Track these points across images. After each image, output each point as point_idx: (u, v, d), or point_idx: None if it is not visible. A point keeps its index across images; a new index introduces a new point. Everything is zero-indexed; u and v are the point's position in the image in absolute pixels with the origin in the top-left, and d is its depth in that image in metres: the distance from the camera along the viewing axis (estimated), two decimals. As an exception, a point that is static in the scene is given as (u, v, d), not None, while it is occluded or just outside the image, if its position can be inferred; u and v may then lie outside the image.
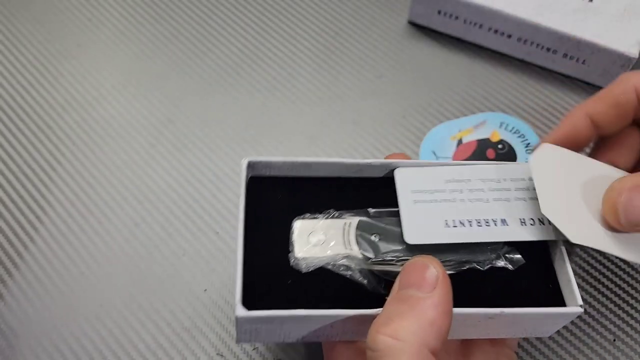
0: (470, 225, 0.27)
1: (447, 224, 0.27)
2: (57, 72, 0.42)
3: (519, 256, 0.27)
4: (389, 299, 0.23)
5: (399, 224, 0.27)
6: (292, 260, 0.25)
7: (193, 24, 0.45)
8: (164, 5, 0.46)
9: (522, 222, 0.27)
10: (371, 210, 0.28)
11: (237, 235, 0.25)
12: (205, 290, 0.33)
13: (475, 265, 0.27)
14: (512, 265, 0.27)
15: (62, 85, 0.41)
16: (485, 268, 0.27)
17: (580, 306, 0.25)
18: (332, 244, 0.26)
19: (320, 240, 0.26)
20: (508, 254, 0.27)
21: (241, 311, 0.23)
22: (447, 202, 0.28)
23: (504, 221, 0.27)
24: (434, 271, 0.23)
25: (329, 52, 0.43)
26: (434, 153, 0.38)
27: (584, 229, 0.26)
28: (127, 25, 0.45)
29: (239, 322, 0.23)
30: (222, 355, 0.31)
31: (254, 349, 0.31)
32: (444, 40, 0.44)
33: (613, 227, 0.26)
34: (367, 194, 0.28)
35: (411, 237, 0.26)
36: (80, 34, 0.44)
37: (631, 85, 0.28)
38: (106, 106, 0.40)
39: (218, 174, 0.37)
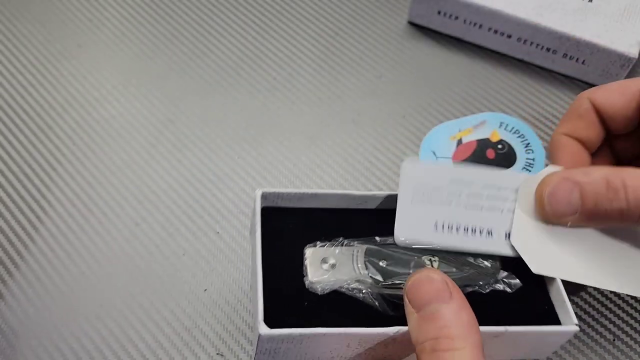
0: (458, 231, 0.28)
1: (436, 227, 0.28)
2: (58, 72, 0.42)
3: (517, 281, 0.28)
4: (413, 323, 0.23)
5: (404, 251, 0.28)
6: (307, 284, 0.27)
7: (193, 24, 0.45)
8: (164, 6, 0.46)
9: (506, 235, 0.28)
10: (378, 238, 0.29)
11: (255, 262, 0.27)
12: (206, 290, 0.33)
13: (477, 288, 0.28)
14: (510, 288, 0.28)
15: (63, 85, 0.41)
16: (487, 291, 0.28)
17: (576, 324, 0.26)
18: (343, 269, 0.27)
19: (331, 265, 0.28)
20: (506, 279, 0.28)
21: (264, 329, 0.24)
22: (442, 205, 0.28)
23: (490, 232, 0.28)
24: (440, 279, 0.23)
25: (329, 52, 0.44)
26: (434, 153, 0.38)
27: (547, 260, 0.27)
28: (127, 26, 0.45)
29: (261, 340, 0.24)
30: (222, 355, 0.31)
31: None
32: (443, 40, 0.44)
33: (543, 218, 0.27)
34: (373, 224, 0.30)
35: (401, 234, 0.27)
36: (81, 34, 0.44)
37: (585, 99, 0.30)
38: (106, 106, 0.40)
39: (218, 174, 0.37)
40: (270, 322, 0.24)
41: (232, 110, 0.40)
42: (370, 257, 0.28)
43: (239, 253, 0.34)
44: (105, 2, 0.46)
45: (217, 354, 0.31)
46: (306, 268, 0.28)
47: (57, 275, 0.33)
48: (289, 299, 0.27)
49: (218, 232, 0.35)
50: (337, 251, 0.28)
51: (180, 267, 0.34)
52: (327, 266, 0.28)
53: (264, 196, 0.29)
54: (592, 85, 0.42)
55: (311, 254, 0.28)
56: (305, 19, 0.45)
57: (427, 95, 0.42)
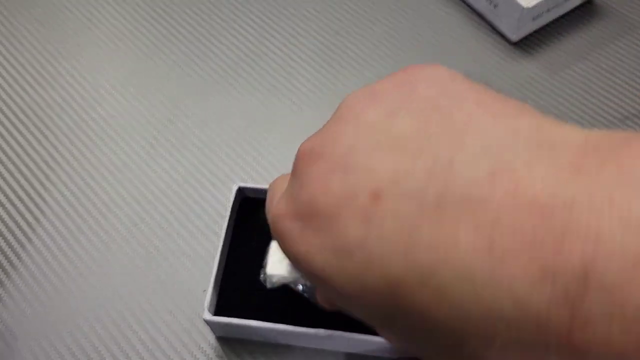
0: None
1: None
2: (57, 72, 0.42)
3: None
4: None
5: None
6: (261, 276, 0.28)
7: (193, 24, 0.45)
8: (164, 5, 0.46)
9: None
10: None
11: (217, 247, 0.31)
12: (204, 290, 0.33)
13: None
14: None
15: (62, 85, 0.41)
16: None
17: None
18: None
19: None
20: None
21: (207, 315, 0.29)
22: None
23: None
24: None
25: (329, 52, 0.43)
26: None
27: None
28: (127, 25, 0.45)
29: (208, 323, 0.29)
30: (221, 357, 0.31)
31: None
32: (445, 39, 0.44)
33: None
34: None
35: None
36: (80, 34, 0.44)
37: None
38: (106, 106, 0.40)
39: (218, 174, 0.37)
40: (221, 308, 0.30)
41: (232, 110, 0.40)
42: None
43: (238, 254, 0.34)
44: (104, 2, 0.46)
45: (216, 355, 0.31)
46: (266, 260, 0.28)
47: (55, 275, 0.33)
48: (243, 289, 0.31)
49: (217, 233, 0.35)
50: None
51: (179, 267, 0.34)
52: (287, 261, 0.28)
53: (241, 189, 0.33)
54: (498, 34, 0.42)
55: (275, 246, 0.28)
56: (305, 19, 0.45)
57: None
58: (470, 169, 0.15)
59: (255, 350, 0.31)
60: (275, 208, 0.20)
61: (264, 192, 0.33)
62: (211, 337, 0.32)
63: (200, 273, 0.34)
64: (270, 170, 0.37)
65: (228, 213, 0.32)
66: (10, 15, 0.45)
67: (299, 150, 0.19)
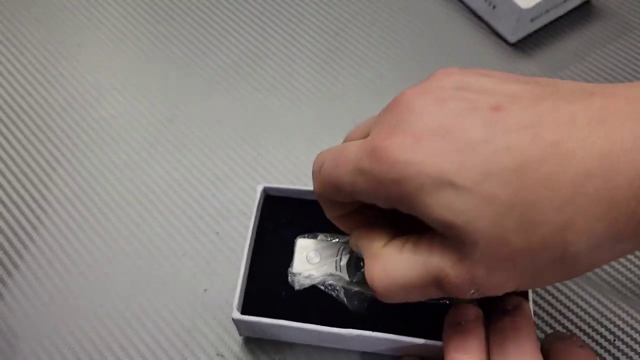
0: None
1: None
2: (57, 72, 0.42)
3: None
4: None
5: None
6: (289, 277, 0.29)
7: (193, 24, 0.45)
8: (164, 5, 0.46)
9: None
10: None
11: (245, 246, 0.30)
12: (206, 290, 0.33)
13: None
14: None
15: (62, 85, 0.41)
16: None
17: None
18: (325, 264, 0.29)
19: (316, 260, 0.29)
20: None
21: (236, 314, 0.28)
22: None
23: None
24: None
25: (329, 52, 0.43)
26: None
27: None
28: (127, 25, 0.45)
29: (236, 322, 0.29)
30: (222, 355, 0.31)
31: (255, 339, 0.31)
32: (444, 40, 0.44)
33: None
34: None
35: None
36: (81, 34, 0.44)
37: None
38: (106, 106, 0.40)
39: (218, 174, 0.37)
40: (247, 307, 0.29)
41: (232, 110, 0.40)
42: (354, 254, 0.29)
43: (239, 253, 0.34)
44: (105, 2, 0.46)
45: (217, 354, 0.31)
46: (293, 259, 0.29)
47: (57, 275, 0.33)
48: (270, 288, 0.30)
49: (218, 233, 0.35)
50: (325, 245, 0.30)
51: (180, 267, 0.34)
52: (313, 260, 0.29)
53: (265, 190, 0.32)
54: (497, 35, 0.42)
55: (300, 244, 0.29)
56: (305, 19, 0.45)
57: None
58: (574, 84, 0.20)
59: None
60: (373, 140, 0.21)
61: (287, 191, 0.32)
62: (212, 336, 0.32)
63: (202, 273, 0.34)
64: (270, 170, 0.38)
65: (254, 213, 0.31)
66: (11, 15, 0.45)
67: (403, 93, 0.22)
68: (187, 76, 0.42)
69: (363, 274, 0.28)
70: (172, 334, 0.32)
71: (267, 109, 0.41)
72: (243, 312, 0.28)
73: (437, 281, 0.21)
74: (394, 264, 0.22)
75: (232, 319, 0.28)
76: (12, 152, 0.38)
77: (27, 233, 0.35)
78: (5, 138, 0.39)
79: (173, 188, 0.37)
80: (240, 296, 0.29)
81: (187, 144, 0.39)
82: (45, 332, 0.32)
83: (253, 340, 0.31)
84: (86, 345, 0.31)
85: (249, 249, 0.30)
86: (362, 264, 0.29)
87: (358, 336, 0.27)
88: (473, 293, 0.21)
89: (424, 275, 0.21)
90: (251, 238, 0.31)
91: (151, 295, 0.33)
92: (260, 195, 0.32)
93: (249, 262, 0.30)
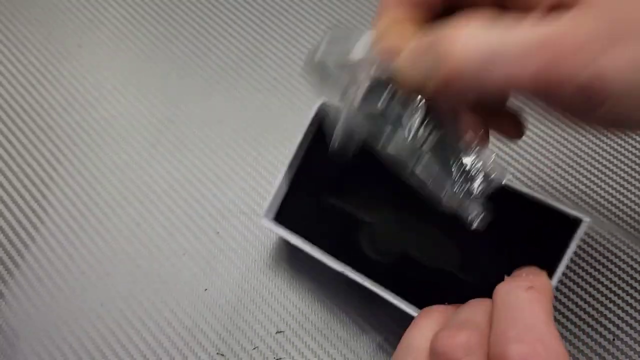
0: None
1: None
2: (58, 72, 0.42)
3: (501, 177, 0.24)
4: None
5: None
6: (315, 57, 0.23)
7: (193, 24, 0.45)
8: (164, 6, 0.46)
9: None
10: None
11: (287, 159, 0.31)
12: (206, 289, 0.33)
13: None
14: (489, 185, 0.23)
15: (63, 85, 0.41)
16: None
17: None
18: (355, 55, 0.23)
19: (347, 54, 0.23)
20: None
21: (266, 222, 0.30)
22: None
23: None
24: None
25: (329, 52, 0.44)
26: None
27: None
28: (127, 26, 0.45)
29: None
30: (222, 355, 0.31)
31: (254, 349, 0.32)
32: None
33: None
34: None
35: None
36: (81, 34, 0.44)
37: None
38: (107, 106, 0.40)
39: (218, 174, 0.38)
40: (279, 216, 0.31)
41: (232, 110, 0.41)
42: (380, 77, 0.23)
43: (239, 253, 0.34)
44: (105, 2, 0.46)
45: (218, 353, 0.31)
46: (320, 44, 0.23)
47: (58, 274, 0.33)
48: (304, 200, 0.31)
49: (218, 232, 0.35)
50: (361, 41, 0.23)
51: (180, 266, 0.34)
52: (341, 49, 0.23)
53: (322, 107, 0.31)
54: None
55: (332, 33, 0.23)
56: (305, 19, 0.45)
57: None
58: None
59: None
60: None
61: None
62: (212, 336, 0.32)
63: (202, 272, 0.34)
64: (270, 170, 0.38)
65: (305, 127, 0.31)
66: (11, 16, 0.45)
67: None
68: (187, 76, 0.42)
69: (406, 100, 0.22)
70: (173, 333, 0.32)
71: (267, 109, 0.41)
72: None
73: (546, 48, 0.17)
74: (487, 29, 0.18)
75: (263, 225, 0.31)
76: (13, 152, 0.38)
77: (28, 233, 0.35)
78: (6, 138, 0.39)
79: (174, 188, 0.37)
80: (273, 204, 0.30)
81: (188, 144, 0.39)
82: (46, 331, 0.32)
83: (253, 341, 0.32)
84: (87, 345, 0.31)
85: (292, 160, 0.31)
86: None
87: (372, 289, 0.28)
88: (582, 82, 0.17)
89: (530, 39, 0.18)
90: (297, 150, 0.31)
91: (152, 295, 0.33)
92: (317, 111, 0.30)
93: (288, 176, 0.31)
